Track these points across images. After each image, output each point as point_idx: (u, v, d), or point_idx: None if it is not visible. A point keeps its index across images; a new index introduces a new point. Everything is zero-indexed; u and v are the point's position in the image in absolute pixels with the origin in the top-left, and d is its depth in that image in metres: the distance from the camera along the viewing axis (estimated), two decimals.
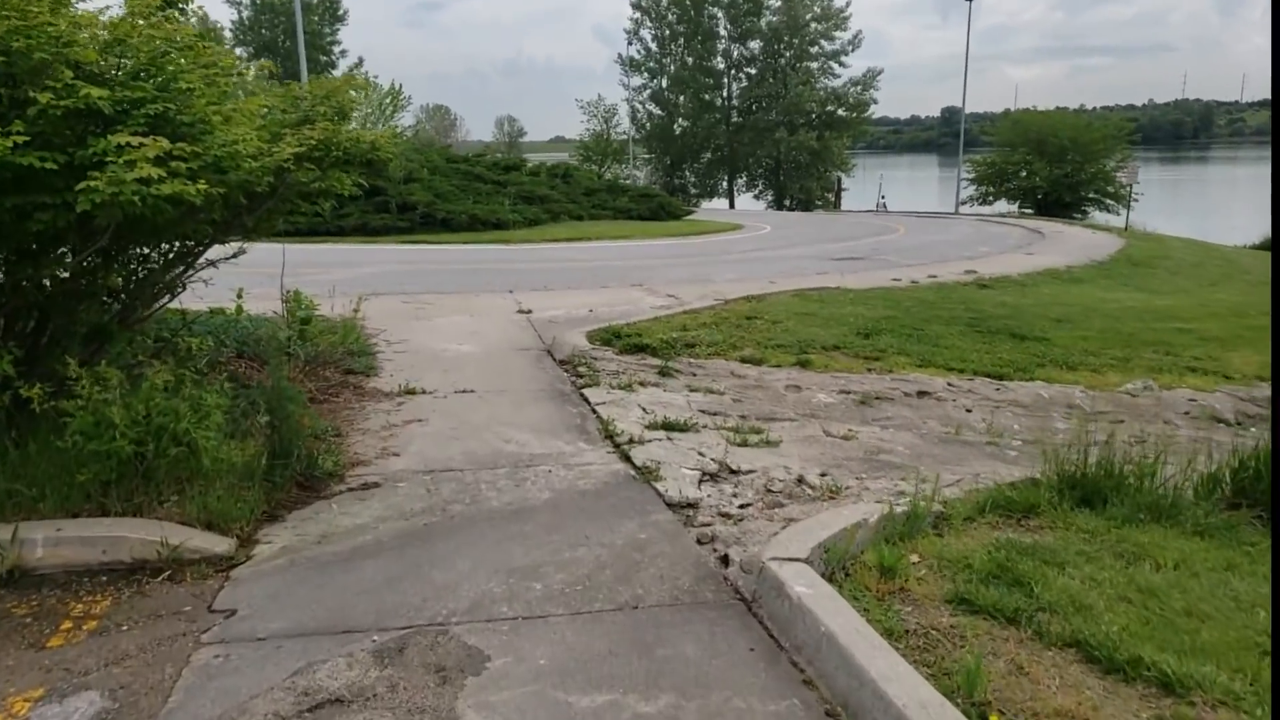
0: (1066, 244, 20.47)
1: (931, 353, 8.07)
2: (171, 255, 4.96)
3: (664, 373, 6.95)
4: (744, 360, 7.40)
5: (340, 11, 68.03)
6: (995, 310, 10.39)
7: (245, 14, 65.39)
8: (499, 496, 4.29)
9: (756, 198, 61.50)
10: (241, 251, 5.44)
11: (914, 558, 3.46)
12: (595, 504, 4.22)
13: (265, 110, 4.84)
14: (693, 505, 4.19)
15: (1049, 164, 43.28)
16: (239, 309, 6.60)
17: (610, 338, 8.06)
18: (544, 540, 3.79)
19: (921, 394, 6.90)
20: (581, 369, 7.04)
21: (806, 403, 6.46)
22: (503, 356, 7.59)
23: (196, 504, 3.74)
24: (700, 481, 4.52)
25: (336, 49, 71.27)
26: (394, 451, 4.88)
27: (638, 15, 61.69)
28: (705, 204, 47.29)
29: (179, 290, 5.18)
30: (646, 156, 63.03)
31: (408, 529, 3.90)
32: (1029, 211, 44.76)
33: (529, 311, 9.91)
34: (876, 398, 6.65)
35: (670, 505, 4.18)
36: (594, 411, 5.78)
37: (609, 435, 5.21)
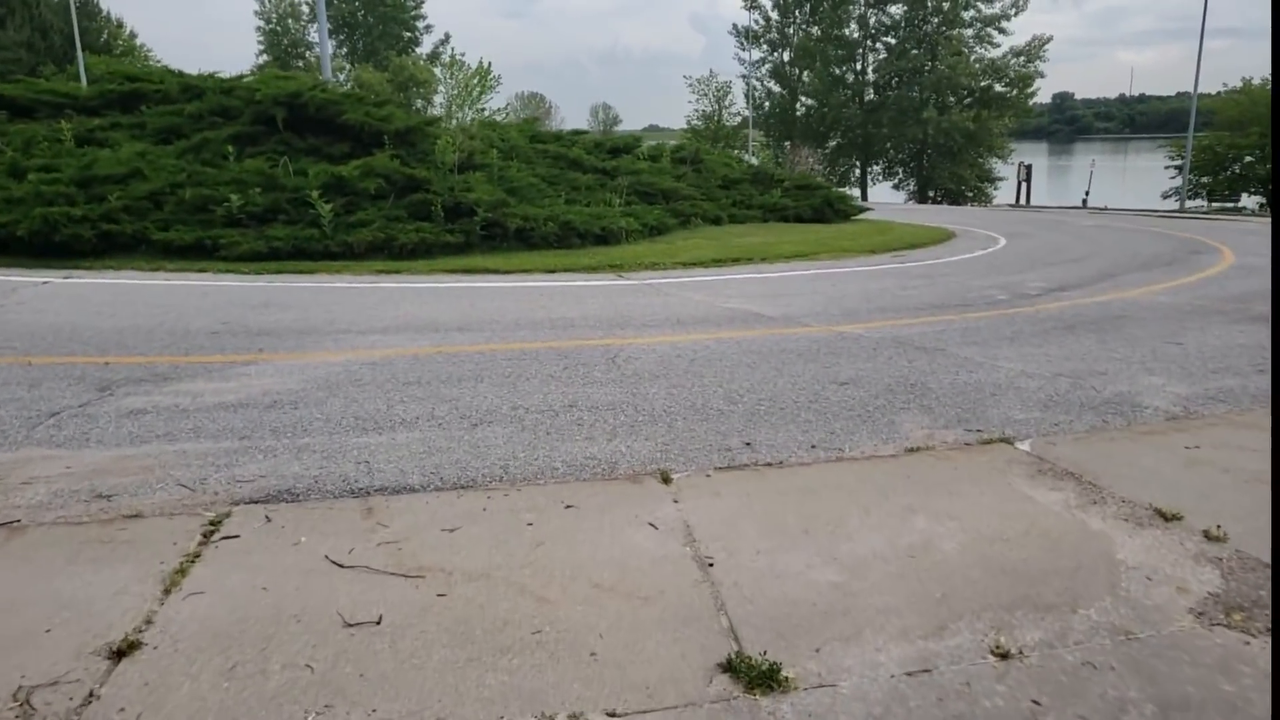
0: None
1: None
2: None
3: None
4: None
5: None
6: None
7: None
8: None
9: (896, 188, 52.46)
10: None
11: None
12: None
13: None
14: None
15: None
16: None
17: None
18: None
19: None
20: None
21: None
22: None
23: None
24: None
25: (421, 24, 65.72)
26: None
27: None
28: None
29: None
30: (763, 140, 54.85)
31: None
32: (1245, 207, 35.27)
33: None
34: None
35: None
36: None
37: None
